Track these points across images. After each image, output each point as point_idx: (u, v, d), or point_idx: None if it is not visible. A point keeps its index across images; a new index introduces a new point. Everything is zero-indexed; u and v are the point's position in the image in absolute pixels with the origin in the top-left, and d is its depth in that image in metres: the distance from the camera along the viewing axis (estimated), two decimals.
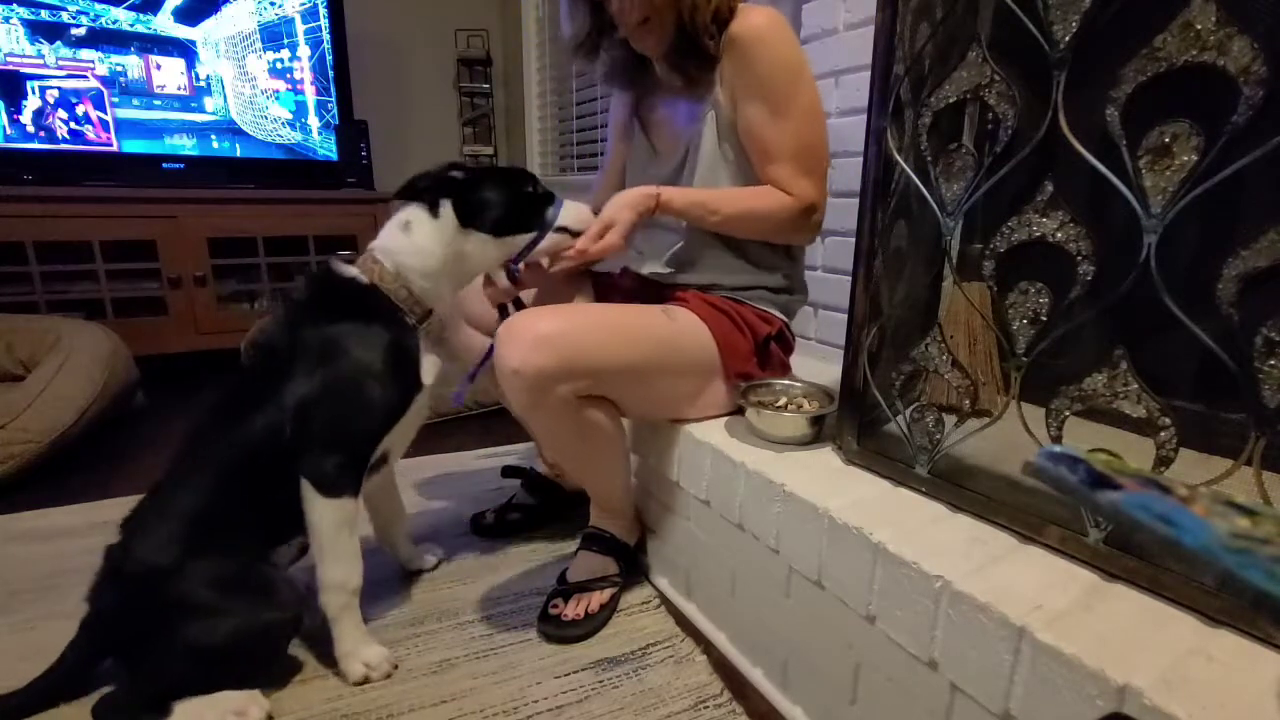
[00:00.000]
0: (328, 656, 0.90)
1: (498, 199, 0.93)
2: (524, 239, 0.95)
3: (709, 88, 1.00)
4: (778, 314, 1.08)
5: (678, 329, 0.99)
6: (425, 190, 0.91)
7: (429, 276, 0.90)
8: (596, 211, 0.98)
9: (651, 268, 1.12)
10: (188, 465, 0.85)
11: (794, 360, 1.15)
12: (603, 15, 0.99)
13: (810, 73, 0.97)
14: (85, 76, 2.19)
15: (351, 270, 0.89)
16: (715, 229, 1.00)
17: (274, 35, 2.43)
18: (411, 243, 0.90)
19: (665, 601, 1.09)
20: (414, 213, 0.91)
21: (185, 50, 2.31)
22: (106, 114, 2.23)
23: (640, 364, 0.94)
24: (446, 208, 0.90)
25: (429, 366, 0.92)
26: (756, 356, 1.04)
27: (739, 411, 1.05)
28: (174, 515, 0.82)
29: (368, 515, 1.10)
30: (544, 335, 0.86)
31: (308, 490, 0.84)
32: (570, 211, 0.96)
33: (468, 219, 0.91)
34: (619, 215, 0.92)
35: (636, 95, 1.14)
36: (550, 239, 0.95)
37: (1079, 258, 0.62)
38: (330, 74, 2.53)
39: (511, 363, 0.85)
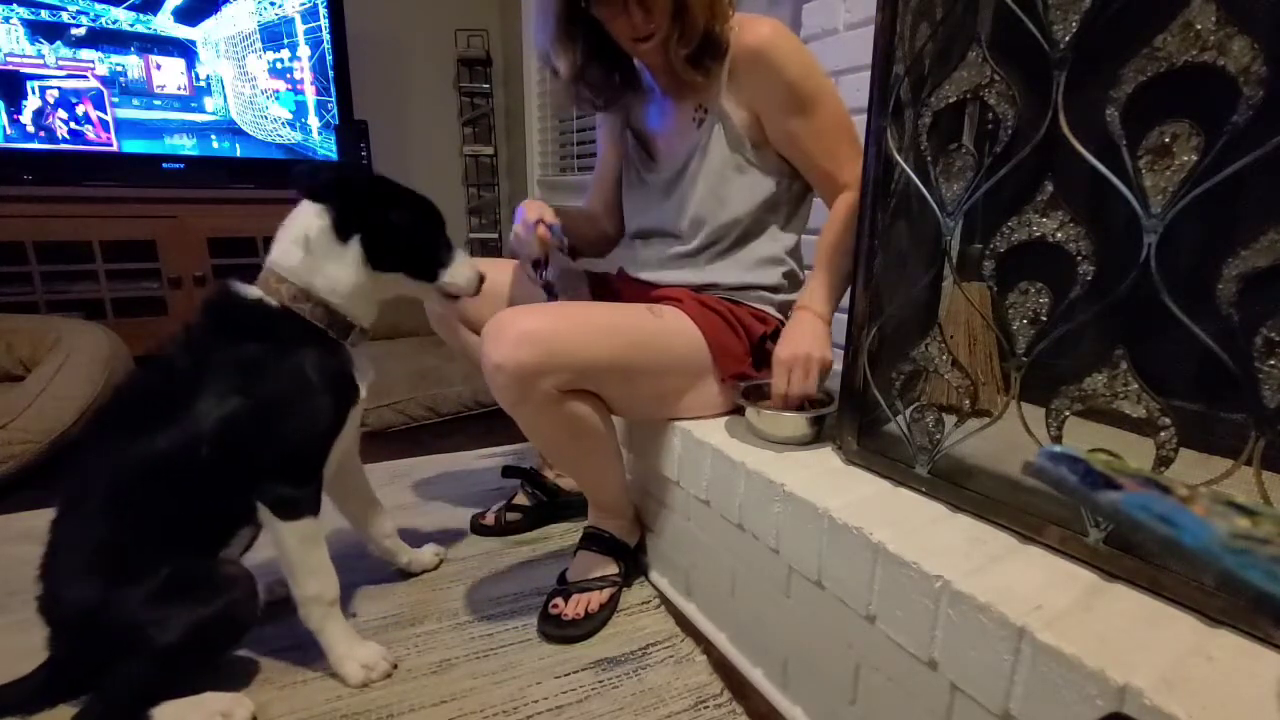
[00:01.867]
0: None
1: (413, 244, 0.90)
2: (425, 290, 0.94)
3: (714, 96, 1.00)
4: (774, 313, 1.09)
5: (663, 327, 0.99)
6: (330, 201, 0.84)
7: (345, 297, 0.86)
8: (585, 216, 0.98)
9: (649, 271, 1.12)
10: (83, 493, 0.81)
11: None
12: (594, 41, 0.98)
13: (819, 64, 0.98)
14: (85, 76, 2.19)
15: (255, 292, 0.84)
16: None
17: (274, 35, 2.43)
18: (317, 265, 0.84)
19: (665, 601, 1.09)
20: (314, 226, 0.84)
21: (185, 50, 2.31)
22: (106, 114, 2.24)
23: (623, 360, 0.94)
24: (356, 244, 0.86)
25: (362, 375, 0.90)
26: (752, 357, 1.04)
27: (736, 411, 1.05)
28: (84, 549, 0.79)
29: (353, 524, 1.09)
30: (526, 332, 0.87)
31: (266, 515, 0.83)
32: (461, 271, 0.95)
33: (378, 262, 0.87)
34: (811, 353, 0.93)
35: (629, 109, 1.14)
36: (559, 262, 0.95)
37: (1079, 258, 0.62)
38: (330, 74, 2.53)
39: (494, 358, 0.87)
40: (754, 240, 1.07)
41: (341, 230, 0.85)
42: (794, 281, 1.11)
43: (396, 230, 0.89)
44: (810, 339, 0.94)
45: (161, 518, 0.80)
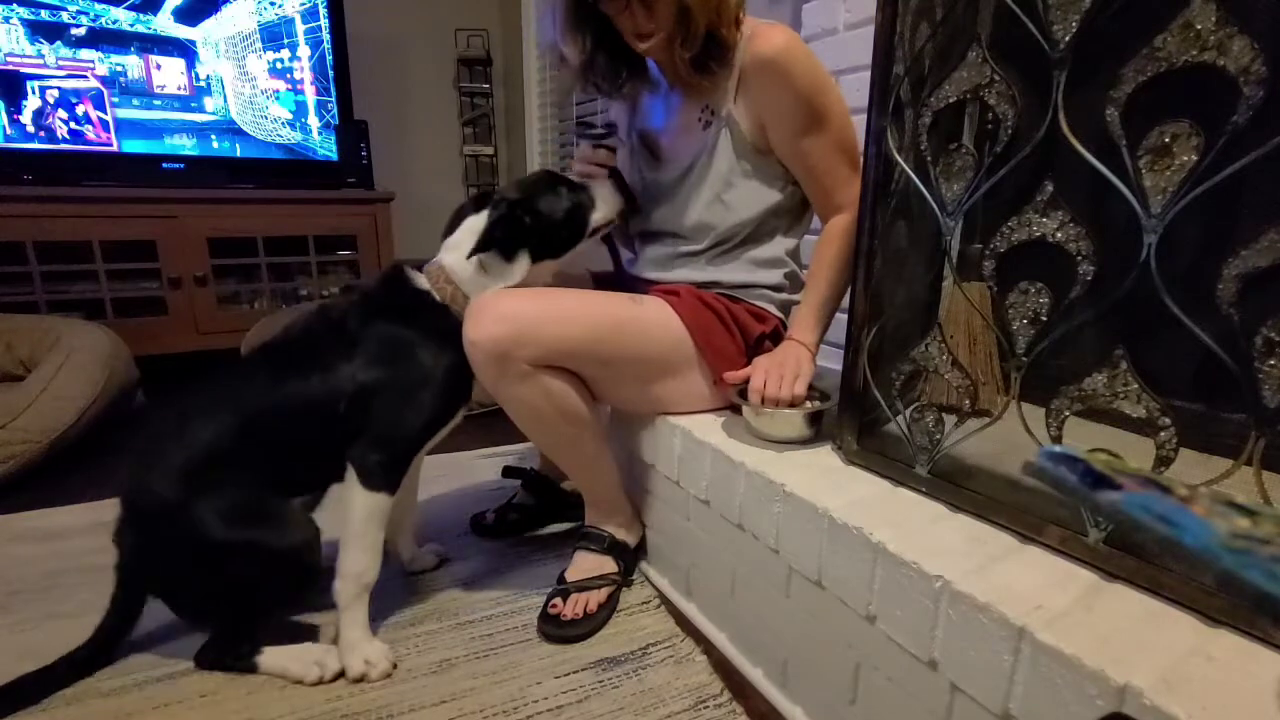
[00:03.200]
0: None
1: (564, 225, 0.99)
2: (580, 249, 1.03)
3: (721, 98, 1.00)
4: (775, 311, 1.09)
5: (641, 314, 1.00)
6: (500, 240, 0.94)
7: None
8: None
9: (654, 269, 1.12)
10: (213, 400, 0.88)
11: None
12: (602, 32, 0.99)
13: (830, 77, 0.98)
14: (85, 76, 2.19)
15: (425, 283, 0.95)
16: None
17: (274, 35, 2.42)
18: (487, 282, 0.96)
19: (665, 601, 1.09)
20: (491, 257, 0.95)
21: (185, 50, 2.31)
22: (106, 114, 2.23)
23: (597, 343, 0.95)
24: (523, 256, 0.97)
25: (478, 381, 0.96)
26: (747, 357, 1.04)
27: (729, 408, 1.05)
28: (192, 448, 0.84)
29: None
30: (501, 313, 0.90)
31: (350, 477, 0.88)
32: (605, 207, 1.03)
33: (540, 255, 0.98)
34: (794, 369, 0.96)
35: (636, 102, 1.14)
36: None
37: (1079, 258, 0.62)
38: (330, 74, 2.53)
39: (471, 335, 0.90)
40: (757, 244, 1.07)
41: (508, 254, 0.97)
42: (795, 282, 1.11)
43: (548, 220, 0.98)
44: (795, 362, 0.97)
45: (271, 451, 0.87)
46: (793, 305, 1.13)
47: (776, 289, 1.09)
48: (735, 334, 1.03)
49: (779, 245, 1.07)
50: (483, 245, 0.93)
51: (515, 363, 0.91)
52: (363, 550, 0.89)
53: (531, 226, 0.96)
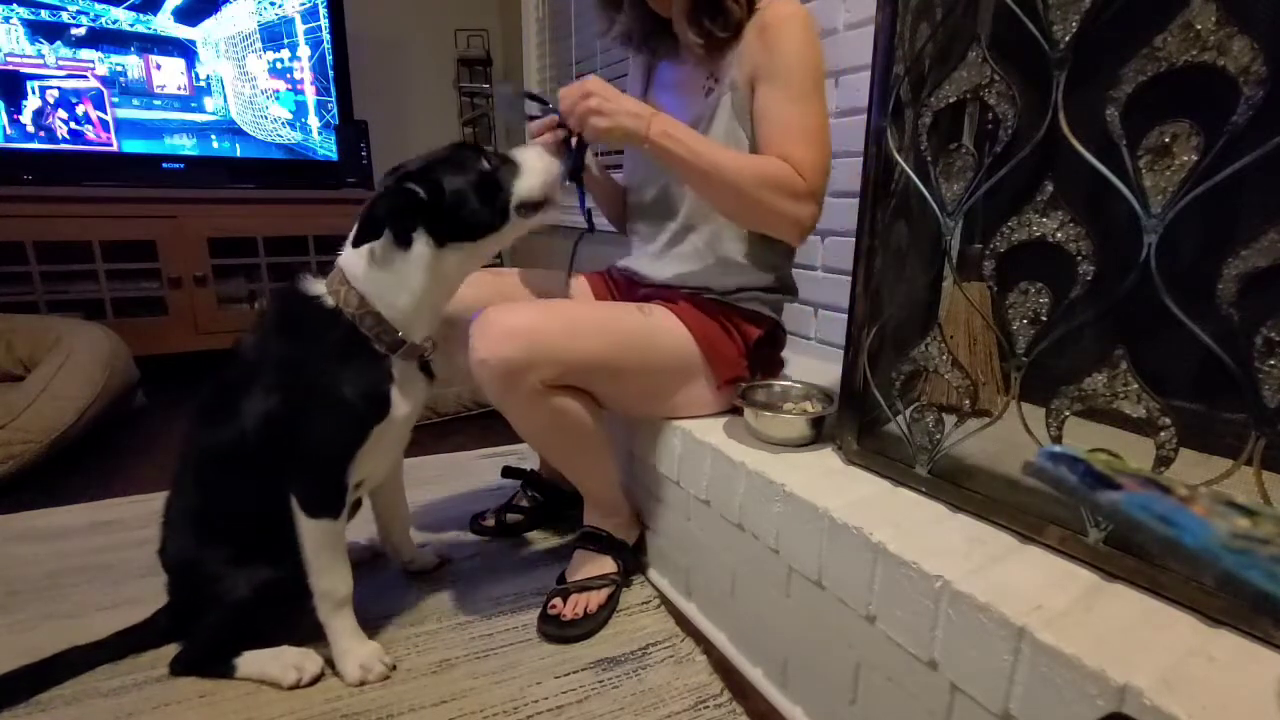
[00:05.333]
0: (328, 659, 0.90)
1: (475, 200, 0.83)
2: (504, 234, 0.87)
3: (726, 67, 0.99)
4: (769, 313, 1.08)
5: (650, 325, 0.99)
6: (390, 222, 0.81)
7: (404, 311, 0.84)
8: (619, 187, 1.03)
9: (646, 262, 1.12)
10: (181, 468, 0.91)
11: (794, 360, 1.15)
12: None
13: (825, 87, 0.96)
14: (85, 76, 2.19)
15: (318, 289, 0.84)
16: (699, 178, 0.92)
17: (274, 35, 2.42)
18: (383, 275, 0.82)
19: (665, 601, 1.09)
20: (382, 245, 0.82)
21: (185, 50, 2.31)
22: (106, 114, 2.23)
23: (609, 357, 0.95)
24: (420, 236, 0.82)
25: (402, 395, 0.86)
26: (748, 359, 1.04)
27: (732, 412, 1.05)
28: (182, 513, 0.90)
29: (372, 514, 1.10)
30: (511, 328, 0.88)
31: (295, 506, 0.85)
32: (533, 176, 0.87)
33: (444, 237, 0.83)
34: (604, 105, 0.86)
35: (651, 62, 1.13)
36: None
37: (1079, 258, 0.62)
38: (330, 74, 2.53)
39: (479, 353, 0.88)
40: (747, 239, 1.05)
41: (402, 240, 0.82)
42: (787, 285, 1.10)
43: (449, 192, 0.82)
44: (632, 115, 0.88)
45: (235, 495, 0.87)
46: (784, 305, 1.12)
47: (769, 290, 1.08)
48: (736, 338, 1.03)
49: (769, 243, 1.05)
50: (366, 229, 0.79)
51: (527, 382, 0.89)
52: (324, 572, 0.87)
53: (429, 203, 0.81)
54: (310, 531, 0.85)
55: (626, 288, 1.16)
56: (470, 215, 0.84)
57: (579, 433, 0.98)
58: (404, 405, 0.87)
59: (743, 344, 1.04)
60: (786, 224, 0.95)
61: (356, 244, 0.82)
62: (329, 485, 0.86)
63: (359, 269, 0.83)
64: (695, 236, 1.06)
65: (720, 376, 1.02)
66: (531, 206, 0.88)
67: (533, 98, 1.07)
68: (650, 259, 1.12)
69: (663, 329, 0.99)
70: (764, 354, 1.08)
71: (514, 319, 0.89)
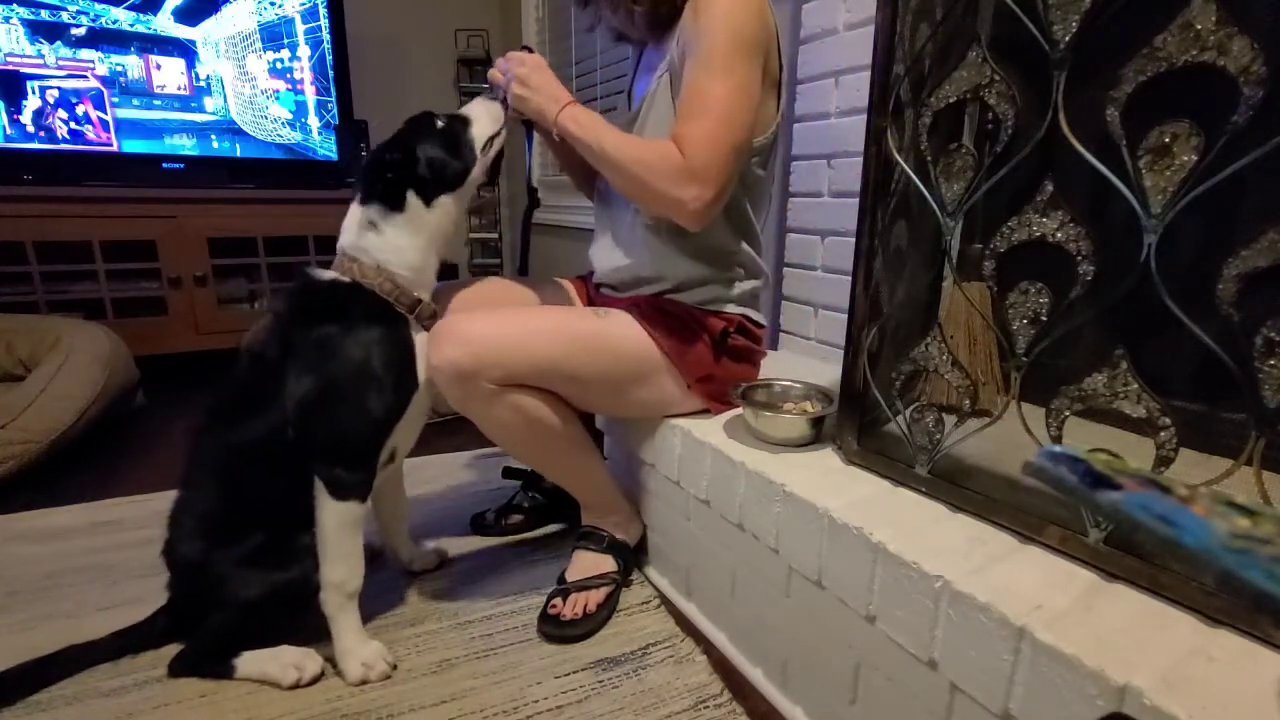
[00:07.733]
0: (328, 658, 0.91)
1: (443, 151, 0.94)
2: (475, 176, 0.98)
3: (670, 46, 0.98)
4: (734, 310, 1.06)
5: (605, 328, 0.99)
6: (385, 187, 0.90)
7: (414, 268, 0.92)
8: None
9: (604, 260, 1.11)
10: (194, 469, 0.90)
11: (794, 360, 1.15)
12: None
13: (760, 55, 0.91)
14: (85, 76, 2.19)
15: (329, 274, 0.90)
16: (598, 164, 0.95)
17: (274, 35, 2.42)
18: (388, 241, 0.91)
19: (665, 601, 1.09)
20: (376, 213, 0.90)
21: (185, 50, 2.31)
22: (106, 114, 2.23)
23: (561, 361, 0.95)
24: (412, 197, 0.91)
25: (425, 359, 0.92)
26: (716, 354, 1.03)
27: (704, 411, 1.05)
28: (194, 514, 0.89)
29: (373, 513, 1.10)
30: (460, 334, 0.90)
31: (318, 490, 0.86)
32: (484, 120, 1.00)
33: (430, 193, 0.92)
34: (529, 79, 0.96)
35: (641, 50, 1.14)
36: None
37: (1079, 258, 0.62)
38: (330, 74, 2.53)
39: (432, 360, 0.90)
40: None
41: (397, 202, 0.91)
42: (751, 270, 1.07)
43: (424, 153, 0.92)
44: (549, 96, 0.96)
45: (258, 494, 0.88)
46: (754, 296, 1.09)
47: (729, 283, 1.05)
48: (701, 336, 1.02)
49: (725, 233, 1.02)
50: (364, 199, 0.90)
51: (479, 384, 0.90)
52: (340, 560, 0.88)
53: (405, 163, 0.91)
54: (334, 514, 0.86)
55: (592, 299, 1.17)
56: (444, 166, 0.94)
57: (546, 433, 0.98)
58: (424, 371, 0.93)
59: (709, 340, 1.03)
60: (668, 205, 0.91)
61: (364, 203, 0.91)
62: (364, 461, 0.89)
63: (368, 242, 0.91)
64: (641, 223, 1.04)
65: (689, 376, 1.01)
66: (493, 141, 1.01)
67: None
68: (606, 248, 1.11)
69: (618, 333, 0.99)
70: (737, 348, 1.06)
71: (464, 326, 0.91)
